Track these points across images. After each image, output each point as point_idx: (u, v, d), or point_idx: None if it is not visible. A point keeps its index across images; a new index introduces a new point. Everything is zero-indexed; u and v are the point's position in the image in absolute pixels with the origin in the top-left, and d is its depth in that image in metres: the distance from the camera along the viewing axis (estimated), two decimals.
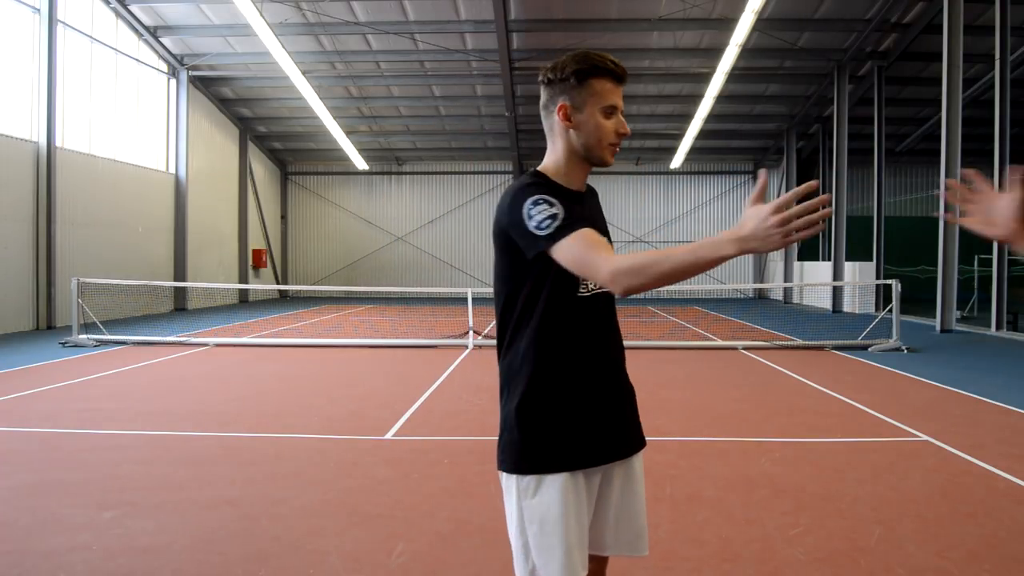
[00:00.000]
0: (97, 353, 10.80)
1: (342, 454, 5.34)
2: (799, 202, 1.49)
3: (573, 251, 1.69)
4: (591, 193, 2.04)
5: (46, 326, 14.67)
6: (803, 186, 1.49)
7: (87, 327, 12.02)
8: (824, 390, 7.90)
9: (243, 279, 24.30)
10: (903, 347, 11.20)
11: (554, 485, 1.80)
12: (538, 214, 1.73)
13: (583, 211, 1.88)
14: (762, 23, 15.92)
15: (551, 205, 1.73)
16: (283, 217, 28.17)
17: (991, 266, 14.69)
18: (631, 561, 3.38)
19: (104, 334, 11.98)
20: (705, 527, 3.83)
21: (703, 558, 3.44)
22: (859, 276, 20.07)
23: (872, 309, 18.66)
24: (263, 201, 26.38)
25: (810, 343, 11.85)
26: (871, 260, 20.08)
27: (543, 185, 1.83)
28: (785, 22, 17.14)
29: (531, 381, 1.84)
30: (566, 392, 1.84)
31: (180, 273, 20.31)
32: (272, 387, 8.18)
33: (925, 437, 5.78)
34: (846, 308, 20.13)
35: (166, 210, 20.17)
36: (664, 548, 3.46)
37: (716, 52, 17.33)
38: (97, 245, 16.71)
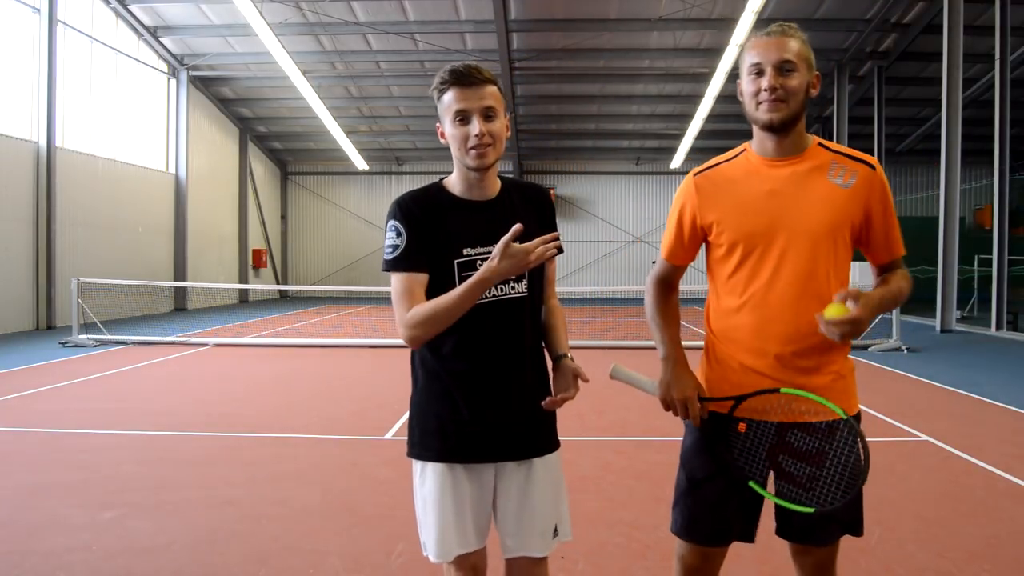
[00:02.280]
0: (97, 353, 10.80)
1: (342, 454, 5.33)
2: (522, 240, 1.75)
3: (393, 290, 1.93)
4: (518, 197, 2.03)
5: (46, 326, 14.68)
6: (512, 229, 1.72)
7: (87, 327, 12.03)
8: None
9: (243, 279, 24.31)
10: (903, 347, 11.20)
11: (434, 472, 1.96)
12: (388, 240, 1.96)
13: (479, 224, 1.93)
14: (762, 23, 15.91)
15: (398, 235, 1.94)
16: (283, 217, 28.17)
17: (991, 266, 14.69)
18: (632, 560, 3.39)
19: (104, 334, 11.98)
20: None
21: None
22: (859, 276, 19.98)
23: None
24: (263, 201, 26.38)
25: None
26: None
27: (410, 204, 1.95)
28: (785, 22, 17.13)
29: (418, 378, 2.02)
30: (443, 391, 1.96)
31: (180, 273, 20.32)
32: (272, 387, 8.18)
33: (925, 437, 5.78)
34: None
35: (166, 210, 20.18)
36: (665, 548, 3.45)
37: (716, 52, 17.32)
38: (97, 245, 16.72)
